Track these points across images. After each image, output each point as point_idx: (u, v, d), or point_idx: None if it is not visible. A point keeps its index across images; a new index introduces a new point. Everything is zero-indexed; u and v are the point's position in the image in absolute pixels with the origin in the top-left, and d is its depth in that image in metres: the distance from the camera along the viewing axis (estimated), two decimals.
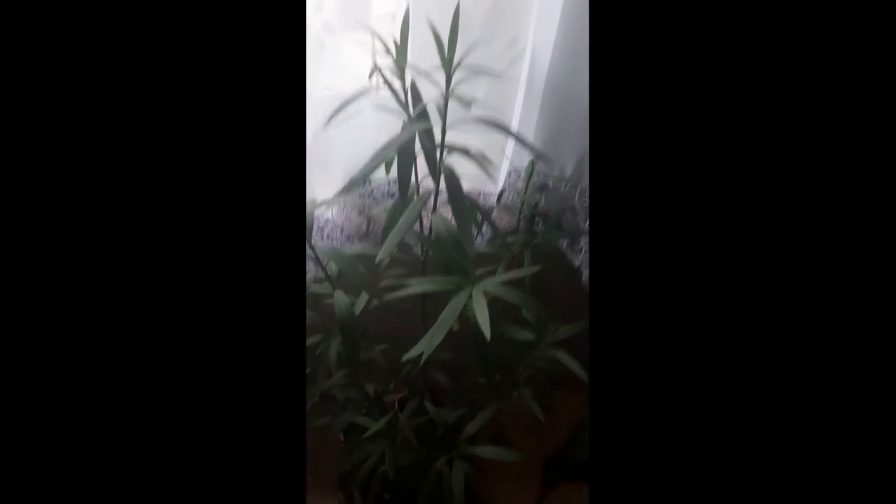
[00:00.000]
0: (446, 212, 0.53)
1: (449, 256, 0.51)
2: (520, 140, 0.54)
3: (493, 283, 0.50)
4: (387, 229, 0.53)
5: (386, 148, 0.46)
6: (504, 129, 0.52)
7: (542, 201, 0.75)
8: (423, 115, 0.51)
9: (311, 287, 0.60)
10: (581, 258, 0.79)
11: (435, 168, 0.52)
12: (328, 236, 0.72)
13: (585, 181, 0.74)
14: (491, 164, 0.56)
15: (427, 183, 0.55)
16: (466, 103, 0.44)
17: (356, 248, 0.60)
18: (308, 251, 0.56)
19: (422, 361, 0.47)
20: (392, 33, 0.52)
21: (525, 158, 0.73)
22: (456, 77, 0.50)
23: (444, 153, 0.53)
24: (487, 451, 0.65)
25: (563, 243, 0.79)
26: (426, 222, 0.61)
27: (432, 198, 0.55)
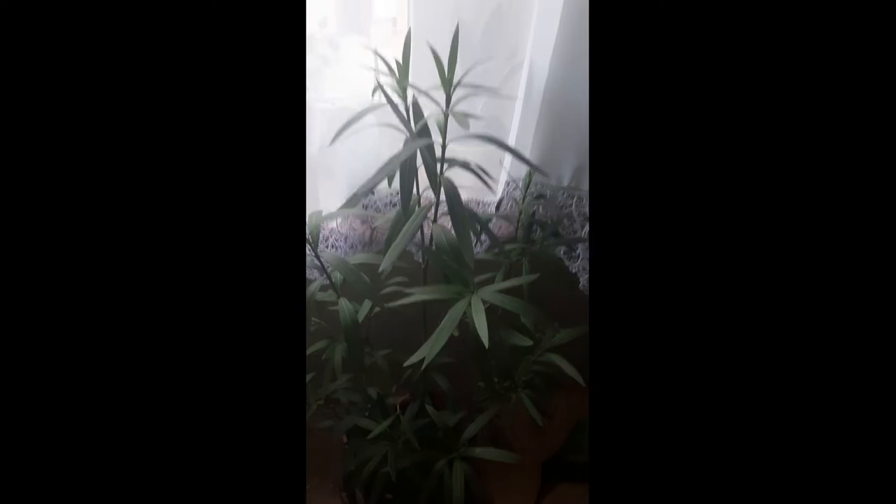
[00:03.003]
0: (447, 222, 0.55)
1: (449, 266, 0.53)
2: (517, 154, 0.56)
3: (491, 292, 0.52)
4: (389, 240, 0.55)
5: (389, 163, 0.49)
6: (502, 144, 0.55)
7: (540, 210, 0.77)
8: (424, 130, 0.53)
9: (317, 295, 0.62)
10: (578, 265, 0.81)
11: (435, 181, 0.54)
12: (332, 245, 0.74)
13: (582, 190, 0.76)
14: (489, 176, 0.59)
15: (428, 195, 0.58)
16: (465, 123, 0.46)
17: (360, 257, 0.62)
18: (314, 260, 0.58)
19: (423, 367, 0.49)
20: (392, 40, 0.53)
21: (523, 168, 0.75)
22: (456, 95, 0.52)
23: (445, 167, 0.55)
24: (487, 453, 0.67)
25: (561, 250, 0.81)
26: (427, 232, 0.63)
27: (433, 209, 0.57)
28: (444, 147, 0.53)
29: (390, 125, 0.55)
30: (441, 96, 0.52)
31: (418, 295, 0.53)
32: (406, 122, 0.53)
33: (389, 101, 0.51)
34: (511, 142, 0.74)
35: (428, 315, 0.64)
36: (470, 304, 0.50)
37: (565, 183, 0.76)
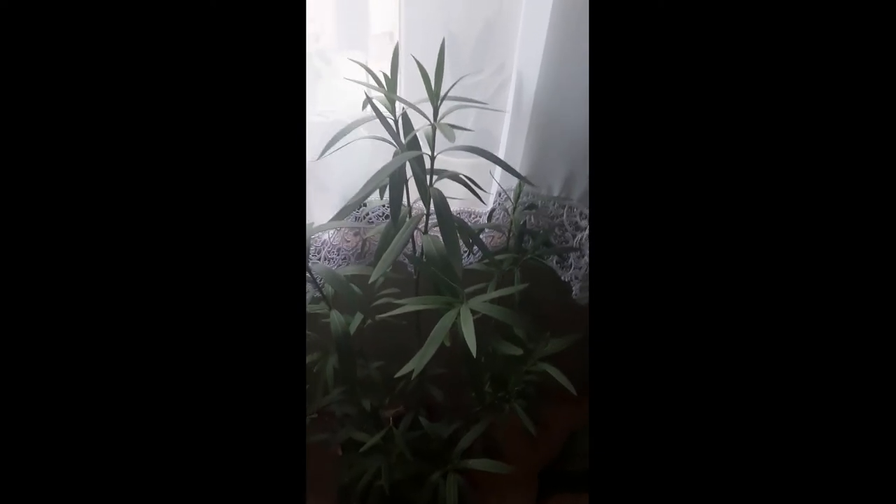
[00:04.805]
0: (438, 233, 0.55)
1: (438, 276, 0.53)
2: (505, 166, 0.57)
3: (481, 301, 0.53)
4: (380, 251, 0.55)
5: (378, 175, 0.49)
6: (491, 156, 0.55)
7: (531, 220, 0.78)
8: (413, 143, 0.54)
9: (308, 307, 0.62)
10: (570, 273, 0.81)
11: (425, 193, 0.55)
12: (326, 257, 0.74)
13: (572, 199, 0.77)
14: (480, 187, 0.59)
15: (420, 206, 0.58)
16: (451, 135, 0.46)
17: (351, 269, 0.62)
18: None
19: (412, 378, 0.50)
20: (389, 55, 0.54)
21: (514, 179, 0.75)
22: (445, 107, 0.53)
23: (434, 178, 0.56)
24: (481, 464, 0.67)
25: (553, 260, 0.81)
26: (420, 243, 0.63)
27: (423, 220, 0.58)
28: (432, 158, 0.54)
29: (381, 138, 0.56)
30: (429, 109, 0.53)
31: (408, 306, 0.53)
32: (395, 136, 0.54)
33: (378, 114, 0.52)
34: (501, 153, 0.75)
35: (422, 325, 0.64)
36: (459, 314, 0.50)
37: (556, 193, 0.76)
